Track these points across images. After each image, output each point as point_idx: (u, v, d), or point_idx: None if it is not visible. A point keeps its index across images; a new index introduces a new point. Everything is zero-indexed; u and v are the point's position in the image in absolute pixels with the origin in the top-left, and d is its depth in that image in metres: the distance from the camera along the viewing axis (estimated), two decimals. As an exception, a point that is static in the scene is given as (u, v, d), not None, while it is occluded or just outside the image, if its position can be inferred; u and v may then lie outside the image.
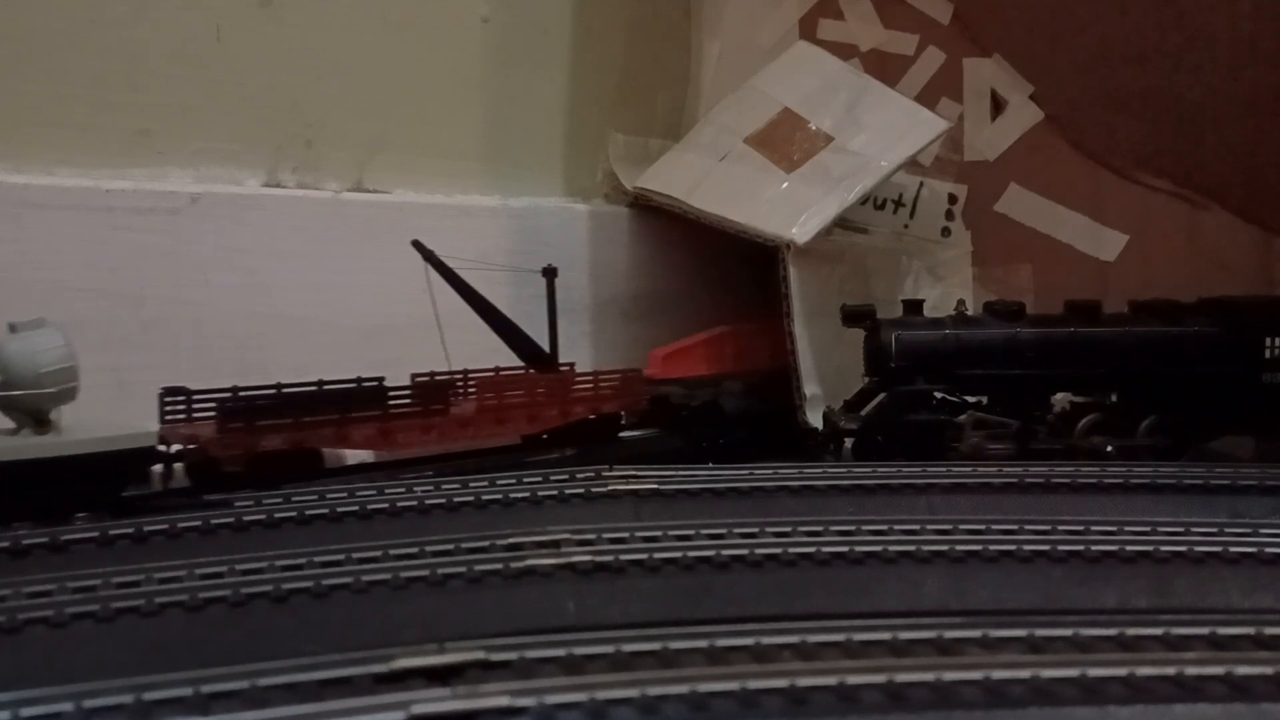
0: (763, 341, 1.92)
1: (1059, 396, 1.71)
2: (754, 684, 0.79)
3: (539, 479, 1.33)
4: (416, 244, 1.55)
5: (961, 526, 1.14)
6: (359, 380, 1.39)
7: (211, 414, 1.29)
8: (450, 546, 1.07)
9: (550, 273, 1.62)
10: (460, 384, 1.51)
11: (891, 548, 1.09)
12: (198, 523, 1.15)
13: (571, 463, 1.45)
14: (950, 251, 2.19)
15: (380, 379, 1.41)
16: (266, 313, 1.61)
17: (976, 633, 0.89)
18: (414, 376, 1.48)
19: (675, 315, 2.05)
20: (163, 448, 1.26)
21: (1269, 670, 0.83)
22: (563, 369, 1.59)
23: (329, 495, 1.25)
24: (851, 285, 1.91)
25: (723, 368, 1.85)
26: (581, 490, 1.30)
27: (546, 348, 1.61)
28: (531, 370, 1.57)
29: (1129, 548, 1.10)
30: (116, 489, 1.20)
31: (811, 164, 1.89)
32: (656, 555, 1.06)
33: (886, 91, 2.01)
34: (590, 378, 1.59)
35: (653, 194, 2.01)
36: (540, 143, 2.06)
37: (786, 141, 1.94)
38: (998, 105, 2.21)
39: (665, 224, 2.06)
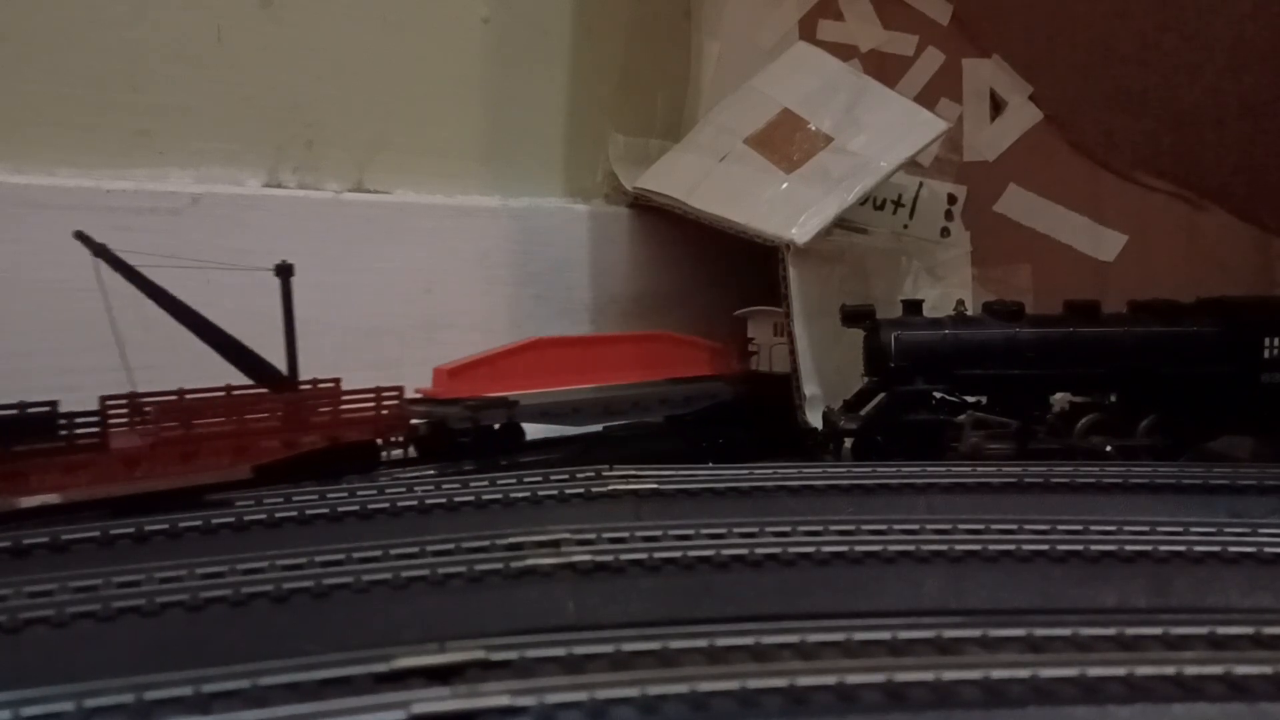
0: (592, 353, 1.74)
1: (1058, 396, 1.71)
2: (754, 683, 0.79)
3: (539, 479, 1.33)
4: (81, 236, 1.28)
5: (961, 526, 1.14)
6: (22, 406, 1.18)
7: None
8: (450, 546, 1.07)
9: (284, 271, 1.36)
10: (130, 410, 1.28)
11: (891, 547, 1.09)
12: (198, 522, 1.16)
13: (564, 464, 1.44)
14: (950, 252, 2.19)
15: (53, 404, 1.21)
16: (266, 313, 1.61)
17: (976, 632, 0.90)
18: (103, 400, 1.27)
19: (675, 315, 2.05)
20: None
21: (1268, 670, 0.83)
22: (323, 386, 1.38)
23: (329, 495, 1.25)
24: (851, 285, 1.91)
25: (531, 384, 1.63)
26: (581, 490, 1.30)
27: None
28: (254, 391, 1.34)
29: (1128, 547, 1.10)
30: None
31: (811, 164, 1.90)
32: (656, 555, 1.07)
33: (886, 92, 2.01)
34: (331, 400, 1.37)
35: (653, 194, 2.01)
36: (540, 143, 2.06)
37: (786, 142, 1.94)
38: (997, 106, 2.21)
39: (665, 224, 2.06)
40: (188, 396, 1.30)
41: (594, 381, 1.69)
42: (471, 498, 1.27)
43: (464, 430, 1.48)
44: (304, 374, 1.41)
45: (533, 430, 1.60)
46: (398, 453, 1.47)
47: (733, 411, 1.79)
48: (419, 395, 1.52)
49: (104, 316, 1.46)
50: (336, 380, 1.38)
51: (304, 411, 1.34)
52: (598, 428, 1.67)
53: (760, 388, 1.85)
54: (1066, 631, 0.90)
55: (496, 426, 1.52)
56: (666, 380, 1.76)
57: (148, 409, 1.27)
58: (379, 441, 1.42)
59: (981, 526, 1.14)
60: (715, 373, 1.83)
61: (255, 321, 1.59)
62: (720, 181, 1.93)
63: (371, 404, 1.39)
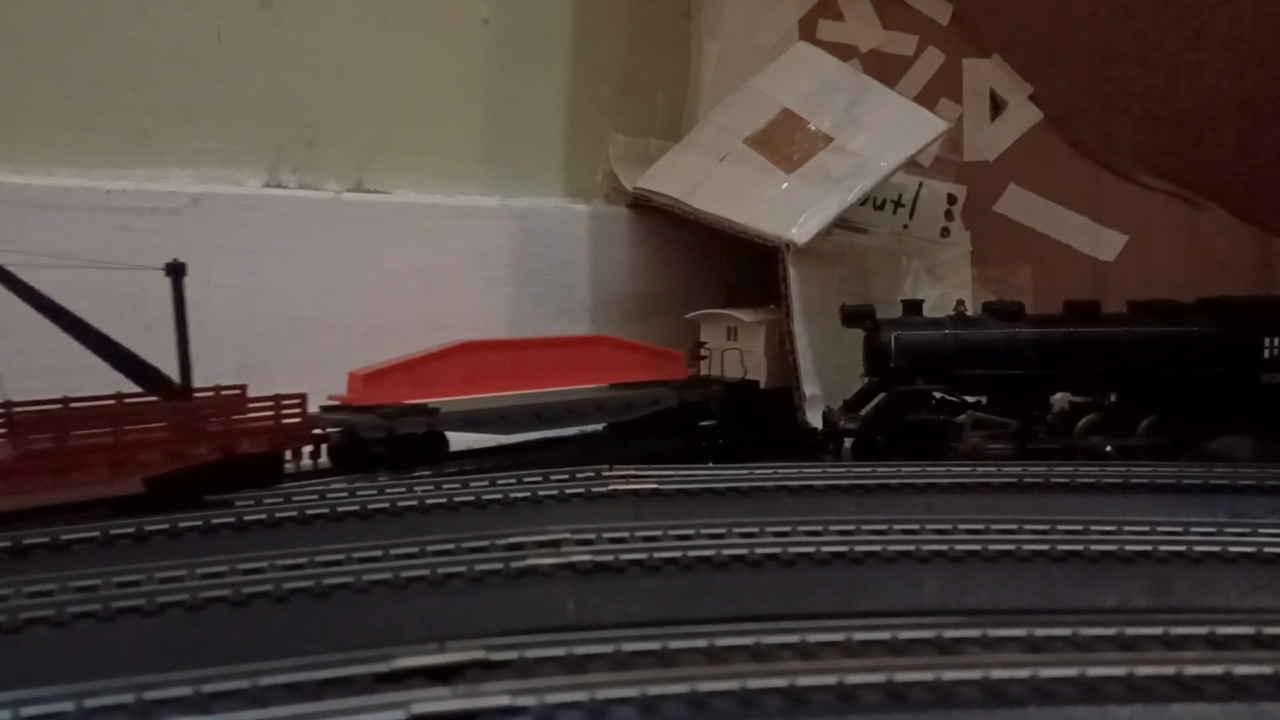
0: (526, 357, 1.63)
1: (1058, 396, 1.71)
2: (754, 683, 0.79)
3: (539, 479, 1.33)
4: None
5: (961, 526, 1.14)
6: None
7: None
8: (450, 546, 1.07)
9: (175, 270, 1.25)
10: (4, 421, 1.17)
11: (891, 547, 1.09)
12: (198, 522, 1.15)
13: (568, 463, 1.43)
14: (950, 252, 2.19)
15: None
16: (266, 313, 1.62)
17: (976, 632, 0.90)
18: None
19: (676, 315, 2.05)
20: None
21: (1268, 670, 0.83)
22: (223, 394, 1.28)
23: (329, 495, 1.25)
24: (851, 285, 1.91)
25: (458, 390, 1.53)
26: (581, 490, 1.30)
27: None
28: (142, 401, 1.25)
29: (1128, 547, 1.10)
30: None
31: (811, 164, 1.90)
32: (656, 555, 1.07)
33: (886, 92, 2.01)
34: (225, 409, 1.27)
35: (653, 194, 2.01)
36: (540, 143, 2.06)
37: (786, 142, 1.94)
38: (997, 106, 2.21)
39: (665, 224, 2.07)
40: (71, 405, 1.22)
41: (527, 387, 1.61)
42: (471, 498, 1.27)
43: (378, 439, 1.39)
44: (309, 372, 1.41)
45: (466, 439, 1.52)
46: (308, 463, 1.39)
47: (678, 417, 1.71)
48: (334, 402, 1.45)
49: (105, 316, 1.47)
50: (242, 388, 1.30)
51: (195, 422, 1.25)
52: (531, 436, 1.57)
53: (722, 393, 1.78)
54: (1066, 631, 0.90)
55: (418, 434, 1.43)
56: (606, 386, 1.68)
57: (19, 420, 1.17)
58: (284, 453, 1.33)
59: (981, 526, 1.14)
60: (659, 378, 1.75)
61: (255, 323, 1.60)
62: (720, 181, 1.93)
63: (271, 413, 1.30)
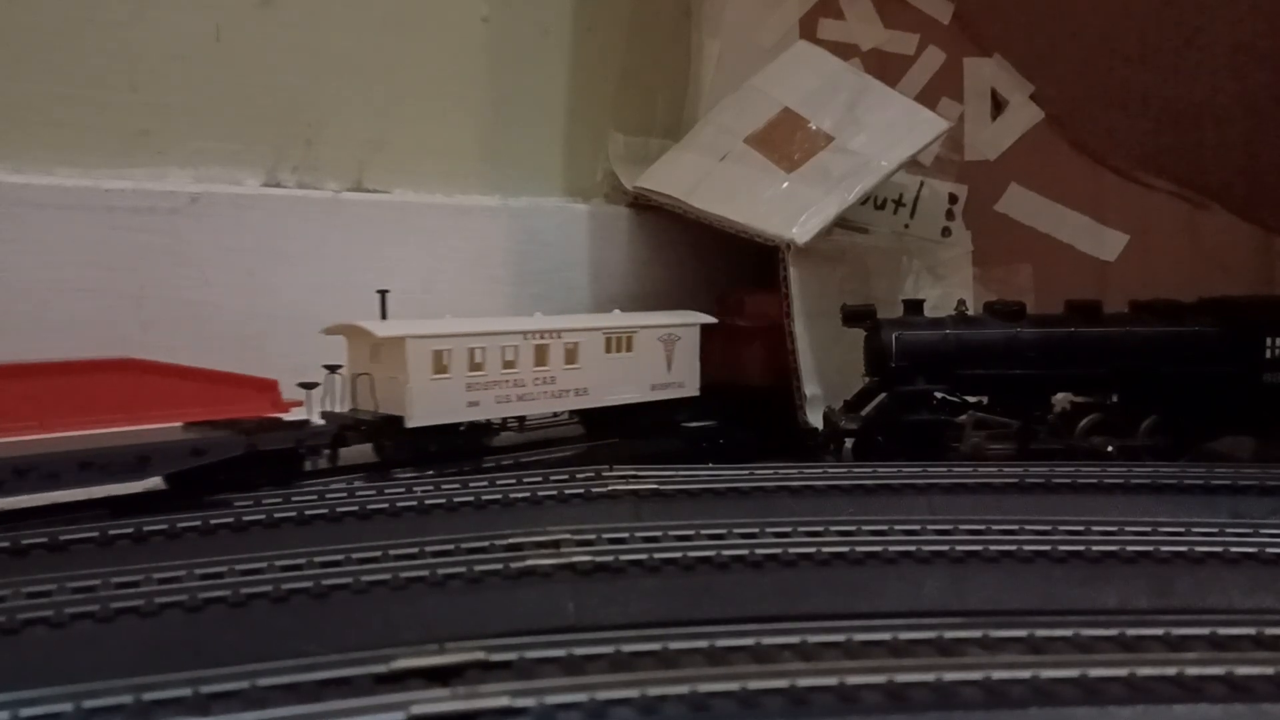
0: (111, 382, 1.23)
1: (1059, 396, 1.71)
2: (754, 684, 0.79)
3: (539, 479, 1.33)
4: None
5: (962, 527, 1.14)
6: None
7: None
8: (450, 546, 1.07)
9: None
10: None
11: (892, 548, 1.09)
12: (197, 523, 1.15)
13: (570, 463, 1.43)
14: (951, 251, 2.18)
15: None
16: (266, 313, 1.61)
17: (977, 633, 0.89)
18: None
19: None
20: None
21: (1269, 670, 0.83)
22: None
23: (329, 495, 1.25)
24: (852, 285, 1.90)
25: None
26: (581, 490, 1.30)
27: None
28: None
29: (1130, 548, 1.10)
30: None
31: (811, 164, 1.89)
32: (656, 555, 1.06)
33: (887, 91, 2.01)
34: None
35: (653, 194, 2.01)
36: (540, 143, 2.05)
37: (786, 141, 1.94)
38: (998, 105, 2.21)
39: (665, 224, 2.06)
40: None
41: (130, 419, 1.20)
42: (471, 498, 1.27)
43: None
44: (308, 372, 1.40)
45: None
46: None
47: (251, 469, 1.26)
48: None
49: (103, 315, 1.47)
50: None
51: None
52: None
53: (326, 435, 1.35)
54: (1068, 632, 0.90)
55: None
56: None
57: None
58: None
59: (983, 527, 1.14)
60: (232, 415, 1.32)
61: (254, 322, 1.60)
62: (720, 181, 1.93)
63: None
